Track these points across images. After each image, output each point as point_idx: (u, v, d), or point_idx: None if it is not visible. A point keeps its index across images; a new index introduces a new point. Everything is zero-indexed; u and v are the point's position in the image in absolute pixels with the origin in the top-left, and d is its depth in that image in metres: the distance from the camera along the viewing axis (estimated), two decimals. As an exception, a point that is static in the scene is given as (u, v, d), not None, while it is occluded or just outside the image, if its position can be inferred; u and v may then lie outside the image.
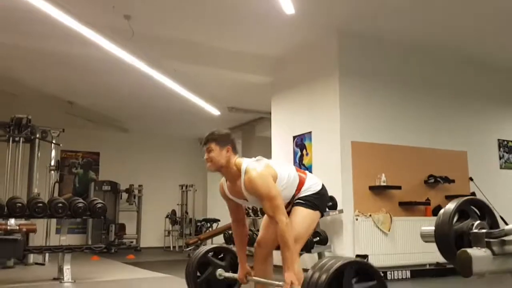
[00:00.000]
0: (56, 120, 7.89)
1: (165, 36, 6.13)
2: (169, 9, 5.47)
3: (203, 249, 3.05)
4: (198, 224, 10.85)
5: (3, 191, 6.65)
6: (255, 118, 10.12)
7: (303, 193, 2.71)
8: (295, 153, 6.41)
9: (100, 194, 10.20)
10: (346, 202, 5.55)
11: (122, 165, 11.17)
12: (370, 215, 5.58)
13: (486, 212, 1.75)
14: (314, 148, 6.10)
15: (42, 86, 8.04)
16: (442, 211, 1.71)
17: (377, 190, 5.81)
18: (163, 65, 6.36)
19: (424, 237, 1.81)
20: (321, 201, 2.77)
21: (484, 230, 1.60)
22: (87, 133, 10.60)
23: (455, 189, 6.24)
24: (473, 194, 6.38)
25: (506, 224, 2.17)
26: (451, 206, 1.69)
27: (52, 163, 7.39)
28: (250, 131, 10.63)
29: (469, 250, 1.50)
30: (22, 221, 5.88)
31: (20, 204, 5.09)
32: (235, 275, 2.84)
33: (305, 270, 5.58)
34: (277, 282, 2.51)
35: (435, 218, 1.81)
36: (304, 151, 6.24)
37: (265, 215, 2.76)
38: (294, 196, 2.72)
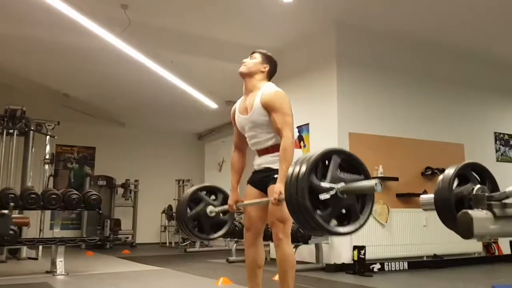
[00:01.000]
0: (51, 113, 7.76)
1: (162, 26, 6.06)
2: (166, -1, 5.44)
3: (195, 186, 2.98)
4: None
5: (-4, 184, 6.57)
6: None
7: None
8: (292, 145, 6.36)
9: (96, 189, 10.04)
10: (344, 194, 5.51)
11: (118, 160, 11.06)
12: (367, 207, 5.54)
13: (486, 177, 1.71)
14: (311, 139, 6.06)
15: (37, 77, 7.92)
16: (441, 176, 1.67)
17: (374, 182, 5.78)
18: (160, 56, 6.32)
19: (424, 205, 1.77)
20: None
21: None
22: (83, 127, 10.50)
23: (452, 182, 6.22)
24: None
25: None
26: (450, 171, 1.65)
27: (47, 156, 7.29)
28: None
29: (470, 211, 1.46)
30: (15, 214, 5.74)
31: (12, 195, 5.02)
32: (225, 207, 2.80)
33: (303, 262, 5.56)
34: (266, 199, 2.51)
35: (431, 210, 1.77)
36: (302, 143, 6.20)
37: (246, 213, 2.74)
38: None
